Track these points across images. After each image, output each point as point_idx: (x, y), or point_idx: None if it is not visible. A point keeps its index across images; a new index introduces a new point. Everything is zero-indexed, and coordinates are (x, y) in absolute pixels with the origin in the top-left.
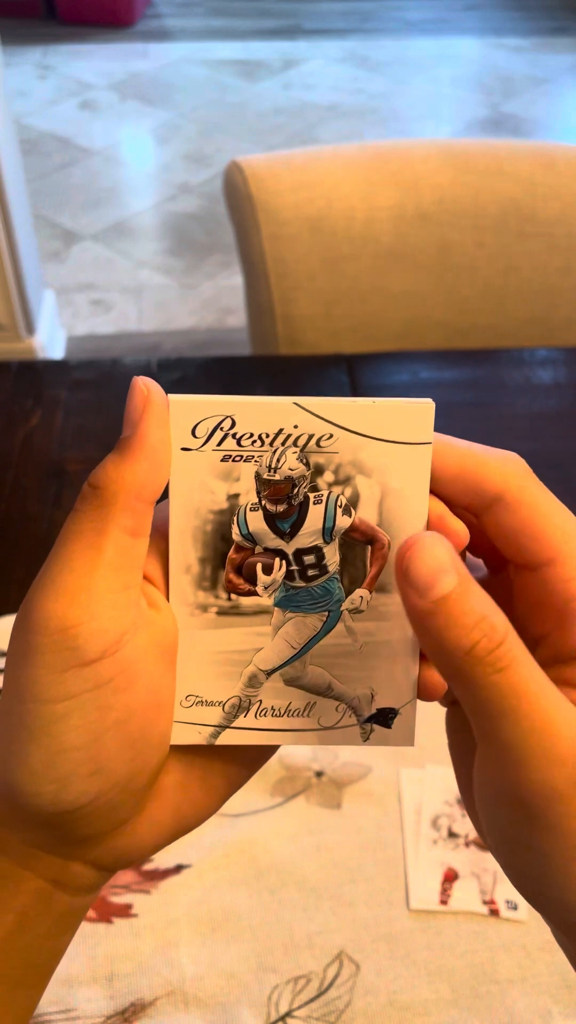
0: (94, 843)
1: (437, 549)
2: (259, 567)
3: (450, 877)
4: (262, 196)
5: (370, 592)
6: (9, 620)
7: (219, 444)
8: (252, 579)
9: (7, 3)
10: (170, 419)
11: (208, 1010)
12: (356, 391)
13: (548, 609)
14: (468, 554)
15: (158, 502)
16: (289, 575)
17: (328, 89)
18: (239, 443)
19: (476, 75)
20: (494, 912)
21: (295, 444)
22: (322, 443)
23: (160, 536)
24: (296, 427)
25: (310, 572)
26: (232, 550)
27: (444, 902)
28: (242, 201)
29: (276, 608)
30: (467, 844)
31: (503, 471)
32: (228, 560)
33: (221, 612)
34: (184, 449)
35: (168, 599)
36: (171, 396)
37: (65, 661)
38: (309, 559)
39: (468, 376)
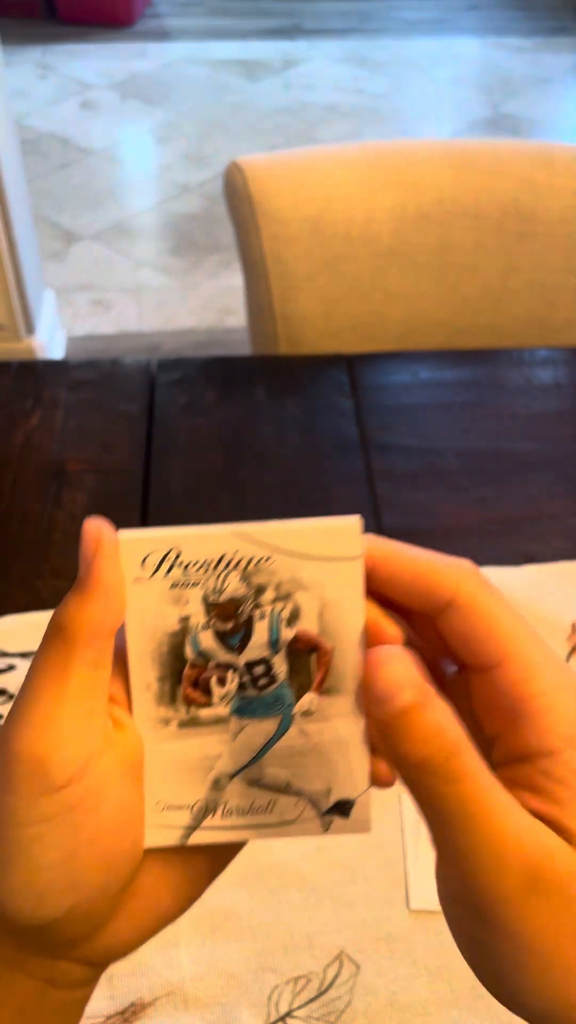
0: (78, 945)
1: (397, 665)
2: (214, 680)
3: None
4: (262, 196)
5: (318, 695)
6: (9, 620)
7: (167, 573)
8: (208, 691)
9: (7, 3)
10: (121, 555)
11: (208, 1010)
12: (356, 391)
13: (500, 709)
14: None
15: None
16: (242, 686)
17: (328, 89)
18: (186, 571)
19: (476, 75)
20: None
21: (237, 568)
22: (261, 565)
23: (122, 659)
24: (237, 552)
25: (261, 682)
26: (187, 667)
27: None
28: (242, 201)
29: (232, 717)
30: None
31: (454, 577)
32: (185, 676)
33: (182, 724)
34: (137, 581)
35: (133, 716)
36: (121, 533)
37: (37, 788)
38: (259, 670)
39: (468, 376)
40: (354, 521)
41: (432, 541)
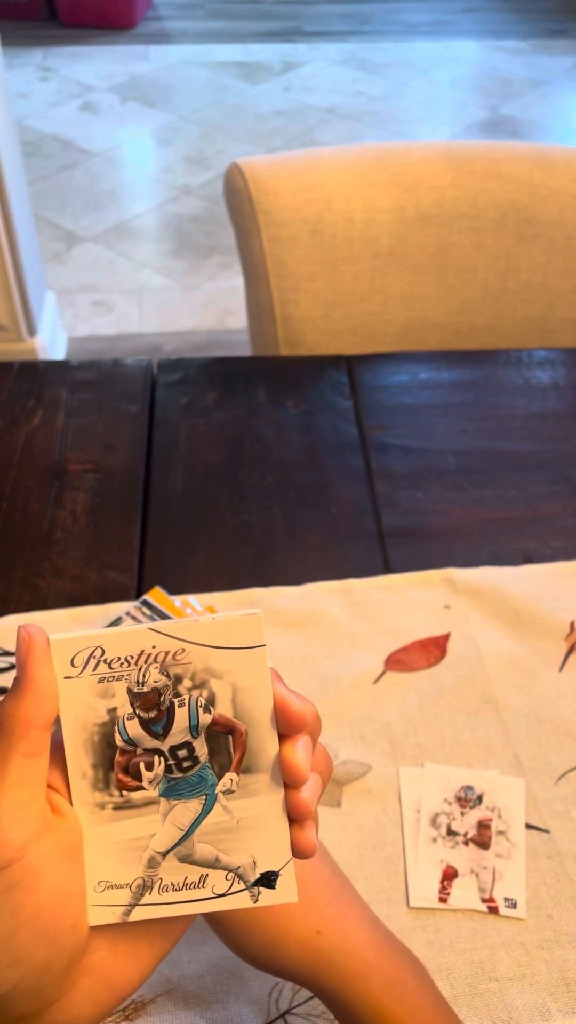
0: (29, 1021)
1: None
2: (142, 765)
3: (449, 875)
4: (262, 198)
5: (237, 774)
6: (9, 620)
7: (95, 669)
8: (138, 776)
9: (8, 5)
10: (53, 656)
11: (208, 1008)
12: (356, 392)
13: None
14: None
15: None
16: (168, 768)
17: (328, 91)
18: (110, 666)
19: (475, 77)
20: (493, 910)
21: (156, 661)
22: (177, 657)
23: (59, 750)
24: (154, 647)
25: (184, 764)
26: (118, 754)
27: (443, 900)
28: (242, 203)
29: (162, 798)
30: (466, 842)
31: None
32: (116, 763)
33: (116, 807)
34: (67, 677)
35: (71, 802)
36: (51, 637)
37: None
38: (182, 753)
39: (467, 377)
40: (256, 614)
41: (431, 541)
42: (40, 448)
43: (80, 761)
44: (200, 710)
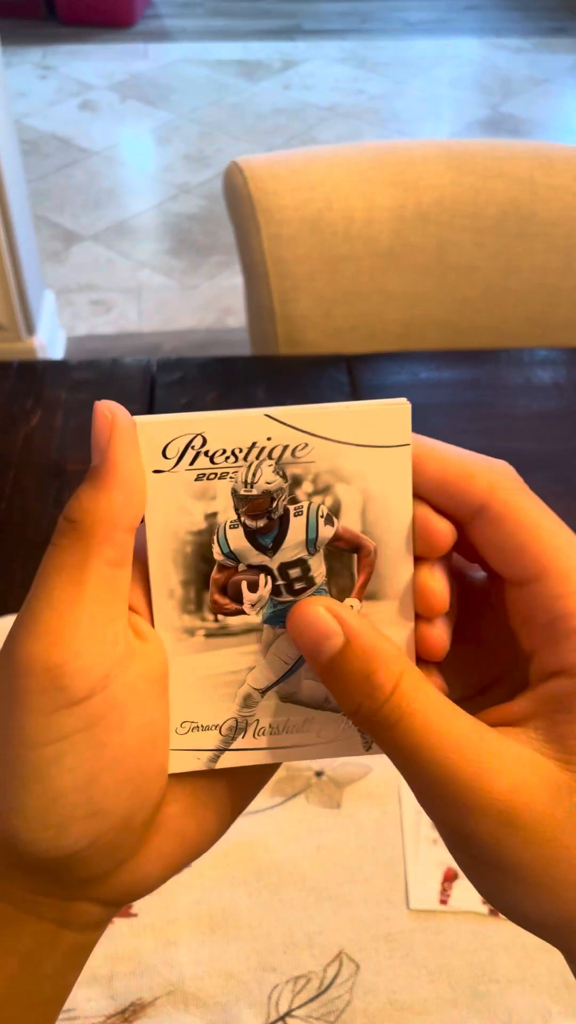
0: (98, 883)
1: (317, 614)
2: (244, 585)
3: (450, 877)
4: (262, 196)
5: (360, 601)
6: (9, 620)
7: (192, 463)
8: (238, 597)
9: (7, 3)
10: (139, 442)
11: (208, 1010)
12: (356, 391)
13: (536, 625)
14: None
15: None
16: (276, 590)
17: (328, 90)
18: (212, 460)
19: (475, 75)
20: (494, 912)
21: (270, 457)
22: (297, 453)
23: (140, 563)
24: (269, 439)
25: (297, 586)
26: (215, 570)
27: (444, 902)
28: (242, 201)
29: (266, 625)
30: None
31: (488, 480)
32: (212, 581)
33: (209, 634)
34: (157, 472)
35: (154, 626)
36: (137, 418)
37: (53, 702)
38: (295, 572)
39: (468, 376)
40: (404, 404)
41: None
42: (39, 448)
43: (167, 576)
44: (321, 521)
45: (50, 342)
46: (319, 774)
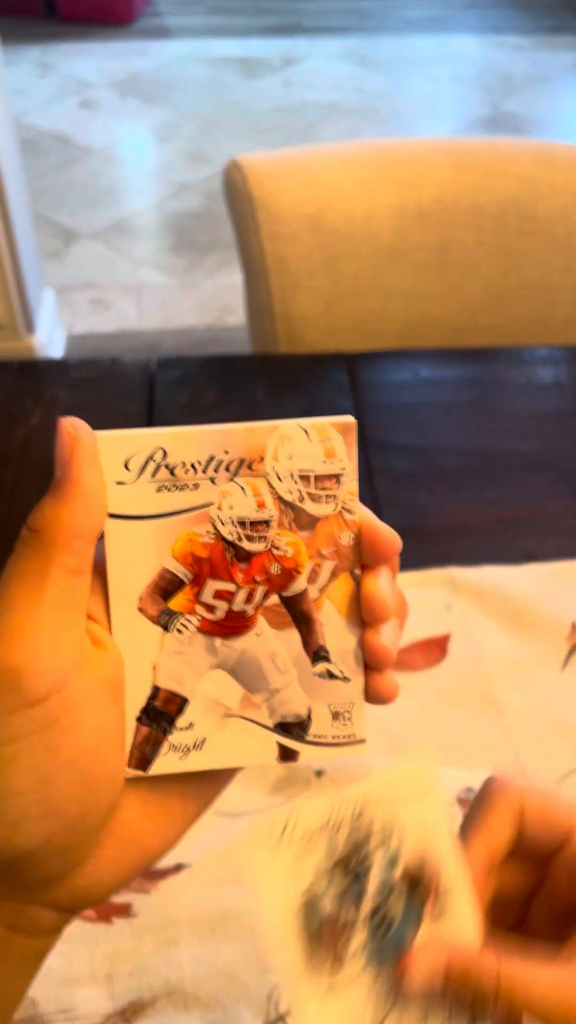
0: (51, 885)
1: (427, 959)
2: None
3: None
4: (262, 195)
5: (431, 923)
6: None
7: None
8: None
9: (6, 1)
10: (101, 456)
11: (207, 1010)
12: (356, 390)
13: None
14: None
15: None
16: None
17: (328, 87)
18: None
19: (476, 73)
20: None
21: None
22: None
23: (99, 573)
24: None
25: (379, 930)
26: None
27: None
28: (242, 200)
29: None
30: None
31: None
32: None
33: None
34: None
35: (112, 634)
36: (99, 433)
37: (10, 703)
38: (376, 919)
39: (468, 375)
40: (427, 762)
41: (432, 540)
42: (38, 447)
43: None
44: (390, 868)
45: (49, 341)
46: (319, 774)
